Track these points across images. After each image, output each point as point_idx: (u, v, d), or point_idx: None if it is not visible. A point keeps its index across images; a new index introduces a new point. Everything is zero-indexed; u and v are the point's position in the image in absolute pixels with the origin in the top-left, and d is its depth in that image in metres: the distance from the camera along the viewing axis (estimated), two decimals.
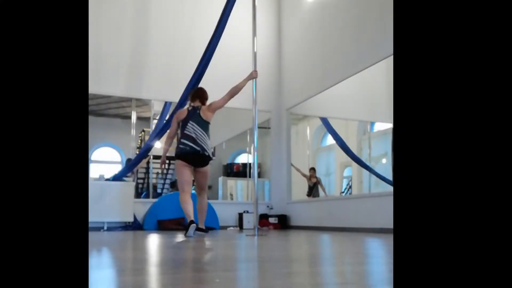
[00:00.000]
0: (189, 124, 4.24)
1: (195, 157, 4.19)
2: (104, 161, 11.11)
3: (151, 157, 7.88)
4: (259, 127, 5.00)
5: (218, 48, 5.87)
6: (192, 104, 4.41)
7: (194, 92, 4.52)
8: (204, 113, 4.32)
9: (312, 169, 7.80)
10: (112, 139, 10.82)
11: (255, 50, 4.82)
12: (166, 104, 6.76)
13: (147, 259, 2.08)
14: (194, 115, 4.30)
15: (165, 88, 6.80)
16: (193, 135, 4.19)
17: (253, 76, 4.58)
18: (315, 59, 6.73)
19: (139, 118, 7.90)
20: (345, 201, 6.39)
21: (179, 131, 4.38)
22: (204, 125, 4.29)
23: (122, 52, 6.70)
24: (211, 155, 4.28)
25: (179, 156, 4.21)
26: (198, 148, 4.15)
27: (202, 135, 4.22)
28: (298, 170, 7.62)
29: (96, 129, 8.85)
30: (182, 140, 4.21)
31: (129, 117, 7.41)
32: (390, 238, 3.67)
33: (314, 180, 7.70)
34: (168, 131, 4.79)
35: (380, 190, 6.26)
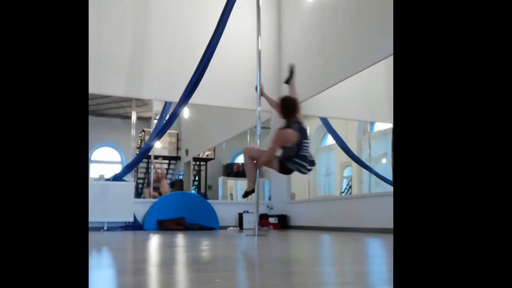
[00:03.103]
0: (304, 144, 3.83)
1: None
2: (104, 161, 11.11)
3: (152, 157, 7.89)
4: None
5: (218, 48, 5.87)
6: (296, 119, 3.90)
7: (294, 104, 3.95)
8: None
9: None
10: (112, 139, 10.82)
11: (259, 48, 4.82)
12: (166, 104, 6.75)
13: (147, 259, 2.08)
14: (305, 132, 3.88)
15: (165, 88, 6.79)
16: (308, 154, 3.86)
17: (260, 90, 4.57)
18: (315, 59, 6.72)
19: (139, 118, 7.90)
20: (345, 201, 6.38)
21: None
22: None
23: (122, 52, 6.69)
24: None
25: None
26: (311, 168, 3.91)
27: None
28: None
29: (96, 129, 8.85)
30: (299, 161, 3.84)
31: (129, 117, 7.41)
32: (390, 238, 3.66)
33: None
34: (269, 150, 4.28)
35: (380, 190, 6.26)
